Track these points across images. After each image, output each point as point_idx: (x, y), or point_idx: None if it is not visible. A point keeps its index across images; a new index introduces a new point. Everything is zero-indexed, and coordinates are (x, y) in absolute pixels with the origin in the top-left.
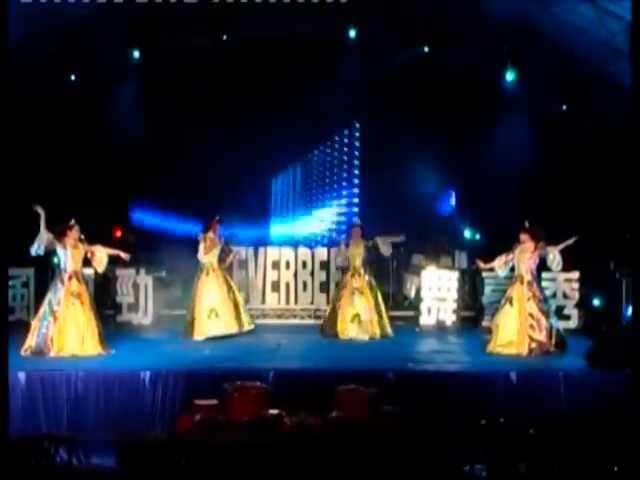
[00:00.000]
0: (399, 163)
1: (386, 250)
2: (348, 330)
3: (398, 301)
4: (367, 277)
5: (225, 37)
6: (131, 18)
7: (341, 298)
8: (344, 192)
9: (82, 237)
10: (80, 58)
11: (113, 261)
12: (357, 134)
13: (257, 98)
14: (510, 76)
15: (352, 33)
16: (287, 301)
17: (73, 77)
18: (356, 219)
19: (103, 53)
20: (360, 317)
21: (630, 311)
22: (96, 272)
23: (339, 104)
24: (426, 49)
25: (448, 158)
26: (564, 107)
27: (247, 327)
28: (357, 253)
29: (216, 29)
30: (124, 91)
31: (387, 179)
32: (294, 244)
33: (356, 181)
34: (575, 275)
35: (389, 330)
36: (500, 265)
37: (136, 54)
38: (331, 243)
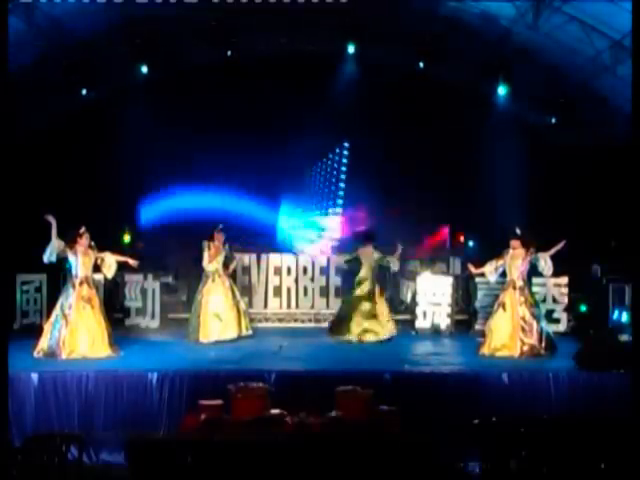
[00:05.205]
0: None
1: (396, 265)
2: (364, 334)
3: (395, 305)
4: (377, 285)
5: (229, 53)
6: (138, 35)
7: (353, 304)
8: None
9: (92, 244)
10: (91, 74)
11: (122, 267)
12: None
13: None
14: (502, 90)
15: (351, 49)
16: (288, 305)
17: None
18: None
19: (112, 69)
20: (376, 318)
21: (616, 315)
22: (106, 278)
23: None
24: (421, 65)
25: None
26: (553, 120)
27: (245, 332)
28: (367, 262)
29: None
30: (132, 104)
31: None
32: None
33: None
34: (564, 280)
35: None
36: (490, 270)
37: (144, 69)
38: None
